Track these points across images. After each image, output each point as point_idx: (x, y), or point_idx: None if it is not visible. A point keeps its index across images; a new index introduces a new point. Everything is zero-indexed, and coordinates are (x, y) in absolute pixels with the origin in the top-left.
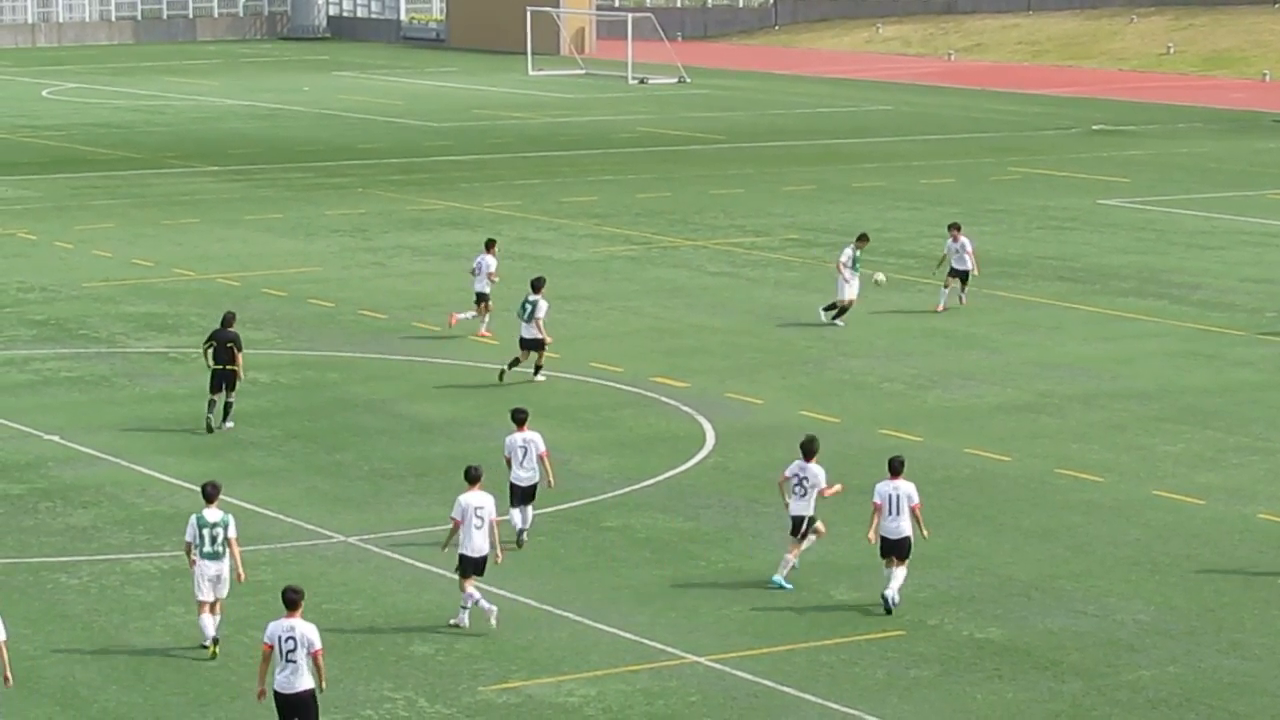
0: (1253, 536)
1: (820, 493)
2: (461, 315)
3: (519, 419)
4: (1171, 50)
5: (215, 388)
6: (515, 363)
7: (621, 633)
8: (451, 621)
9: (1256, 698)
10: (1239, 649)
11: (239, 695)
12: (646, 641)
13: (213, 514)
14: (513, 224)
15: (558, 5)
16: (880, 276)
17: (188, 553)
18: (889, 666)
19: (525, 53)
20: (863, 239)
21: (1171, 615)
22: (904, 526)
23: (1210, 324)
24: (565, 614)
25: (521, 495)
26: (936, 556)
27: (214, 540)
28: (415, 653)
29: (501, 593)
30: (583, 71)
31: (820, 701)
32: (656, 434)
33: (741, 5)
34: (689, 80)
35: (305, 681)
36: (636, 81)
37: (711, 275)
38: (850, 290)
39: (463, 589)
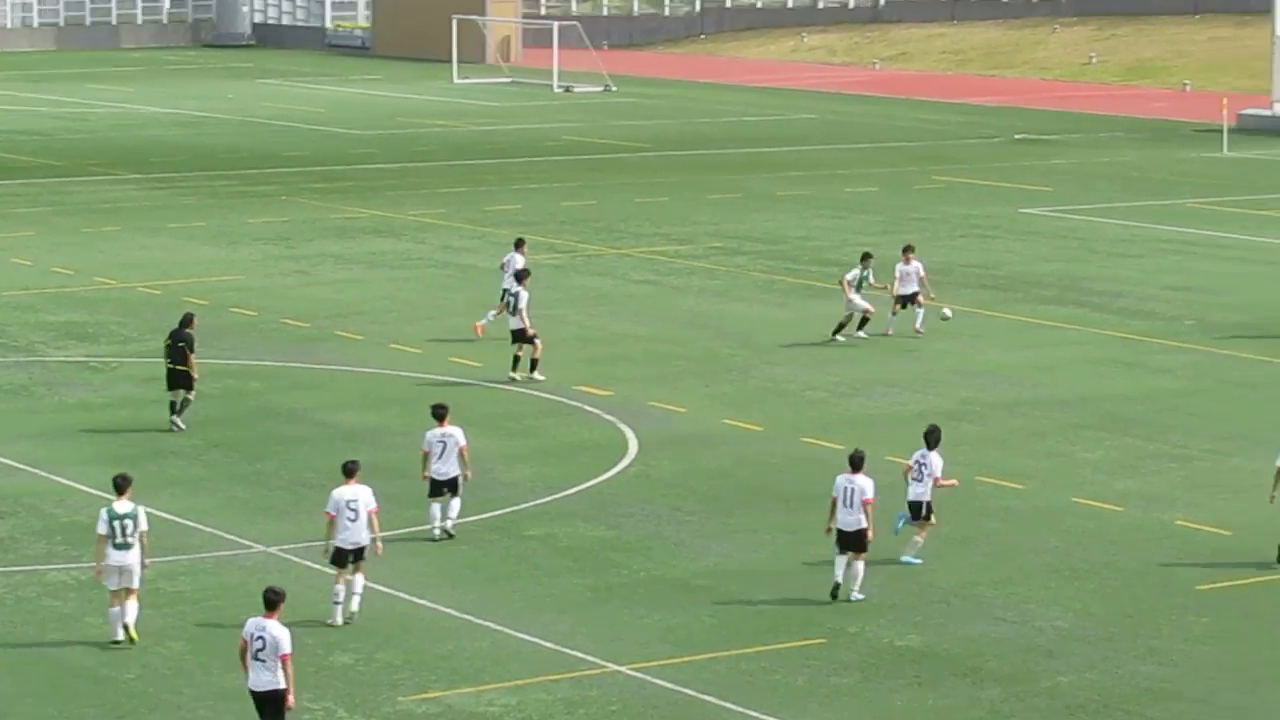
0: (1170, 543)
1: (936, 481)
2: (486, 320)
3: (439, 414)
4: (1094, 60)
5: (170, 386)
6: (517, 361)
7: (542, 642)
8: (329, 621)
9: (1173, 703)
10: (1156, 655)
11: (156, 707)
12: (567, 650)
13: (123, 506)
14: (437, 232)
15: (483, 13)
16: (947, 311)
17: (100, 545)
18: (809, 674)
19: (451, 61)
20: (867, 258)
21: (1090, 622)
22: (859, 519)
23: (1131, 332)
24: (486, 623)
25: (440, 488)
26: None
27: (124, 531)
28: (335, 663)
29: (422, 602)
30: (508, 80)
31: (741, 710)
32: (579, 442)
33: (667, 14)
34: (615, 88)
35: (275, 680)
36: (562, 90)
37: (635, 283)
38: (855, 305)
39: (337, 581)
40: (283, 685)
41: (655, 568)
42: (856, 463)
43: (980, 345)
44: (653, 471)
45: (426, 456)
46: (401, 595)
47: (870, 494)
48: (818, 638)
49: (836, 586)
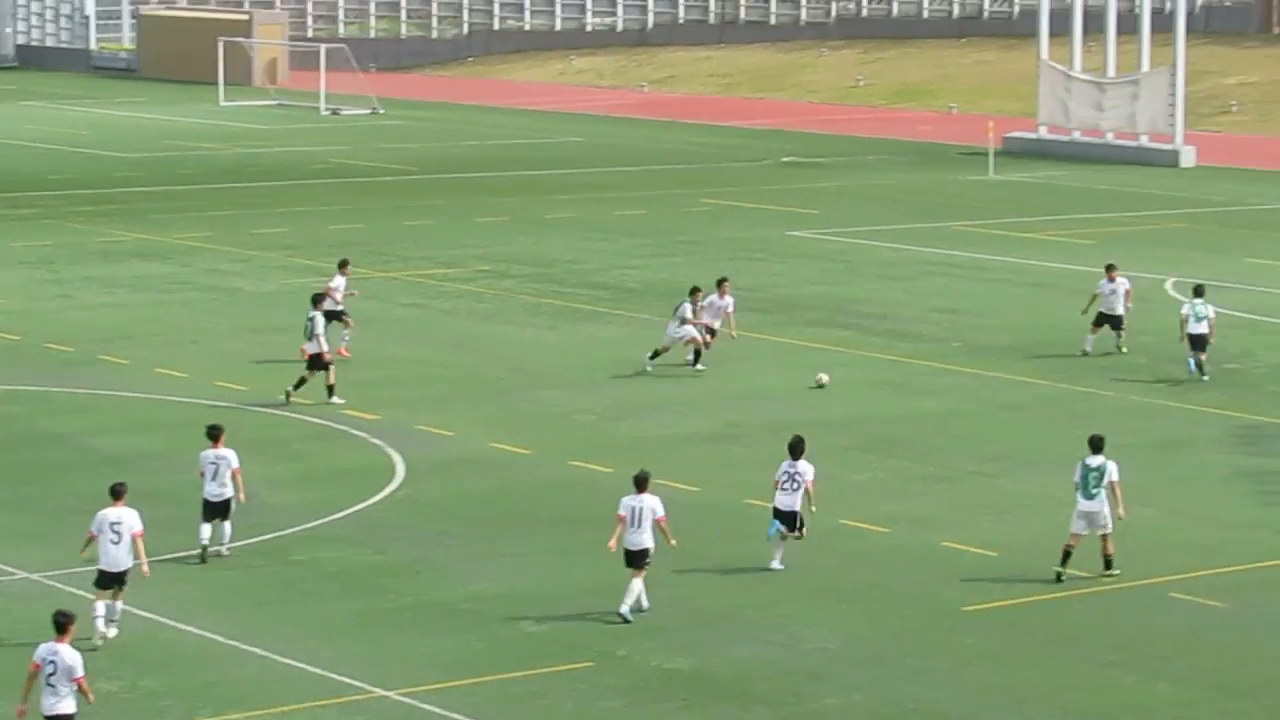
0: (936, 564)
1: (806, 488)
2: (343, 341)
3: (213, 435)
4: (861, 83)
5: None
6: (301, 384)
7: (309, 667)
8: (95, 641)
9: None
10: (924, 676)
11: None
12: (334, 676)
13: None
14: (203, 256)
15: (250, 35)
16: (824, 377)
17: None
18: (578, 698)
19: (217, 83)
20: (696, 291)
21: (857, 643)
22: (644, 539)
23: (898, 354)
24: (252, 649)
25: (213, 510)
26: (624, 586)
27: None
28: (99, 689)
29: (187, 628)
30: (275, 102)
31: None
32: (346, 466)
33: (435, 37)
34: (382, 111)
35: (66, 706)
36: (329, 112)
37: (403, 307)
38: (674, 336)
39: (97, 599)
40: (72, 710)
41: (423, 592)
42: (641, 482)
43: (748, 368)
44: (420, 495)
45: (203, 477)
46: (166, 621)
47: (661, 511)
48: (585, 661)
49: (640, 607)
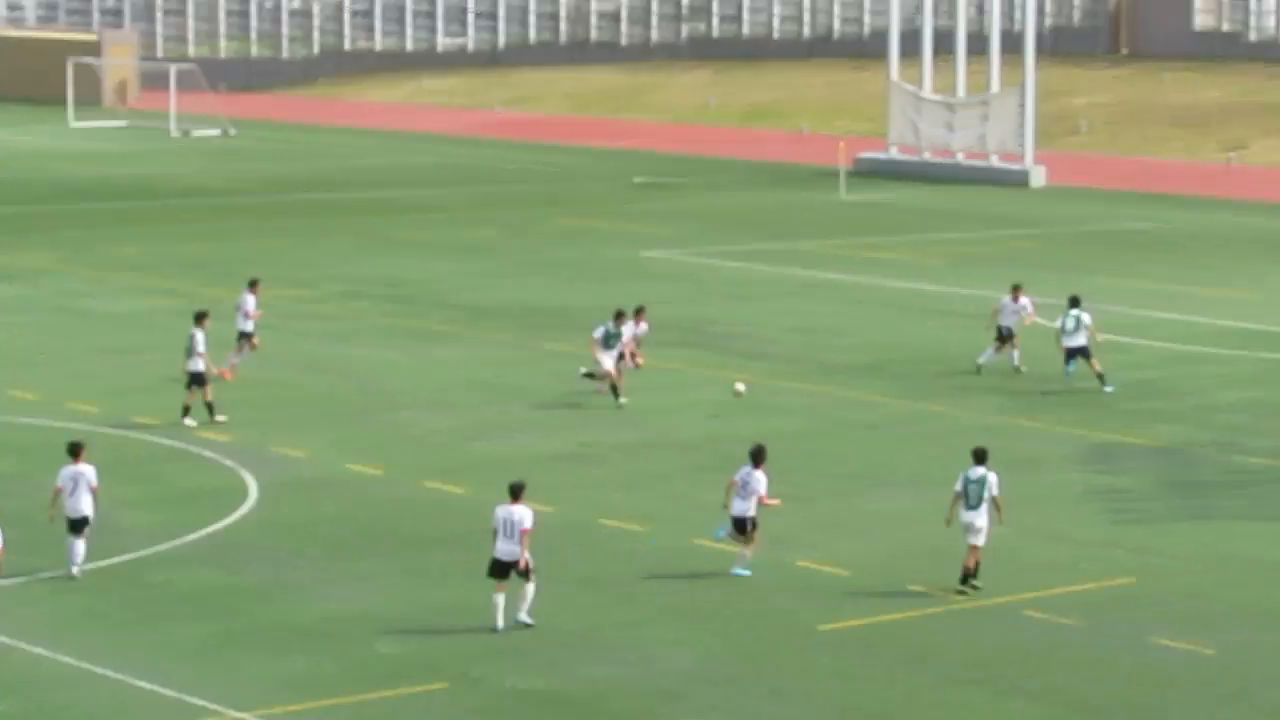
0: (791, 584)
1: (760, 499)
2: (230, 363)
3: (74, 451)
4: (712, 103)
5: None
6: (187, 410)
7: (163, 690)
8: None
9: None
10: (780, 696)
11: None
12: (189, 699)
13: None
14: (54, 277)
15: (99, 55)
16: (740, 386)
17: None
18: (433, 719)
19: (66, 103)
20: (621, 316)
21: (713, 663)
22: (516, 549)
23: (751, 373)
24: (105, 672)
25: (73, 527)
26: (479, 607)
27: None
28: None
29: (40, 651)
30: (125, 123)
31: None
32: (199, 488)
33: (286, 57)
34: (234, 132)
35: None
36: (180, 133)
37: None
38: (607, 363)
39: None
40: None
41: (277, 613)
42: (515, 492)
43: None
44: (274, 517)
45: (59, 493)
46: (19, 644)
47: (529, 524)
48: (440, 682)
49: (497, 624)
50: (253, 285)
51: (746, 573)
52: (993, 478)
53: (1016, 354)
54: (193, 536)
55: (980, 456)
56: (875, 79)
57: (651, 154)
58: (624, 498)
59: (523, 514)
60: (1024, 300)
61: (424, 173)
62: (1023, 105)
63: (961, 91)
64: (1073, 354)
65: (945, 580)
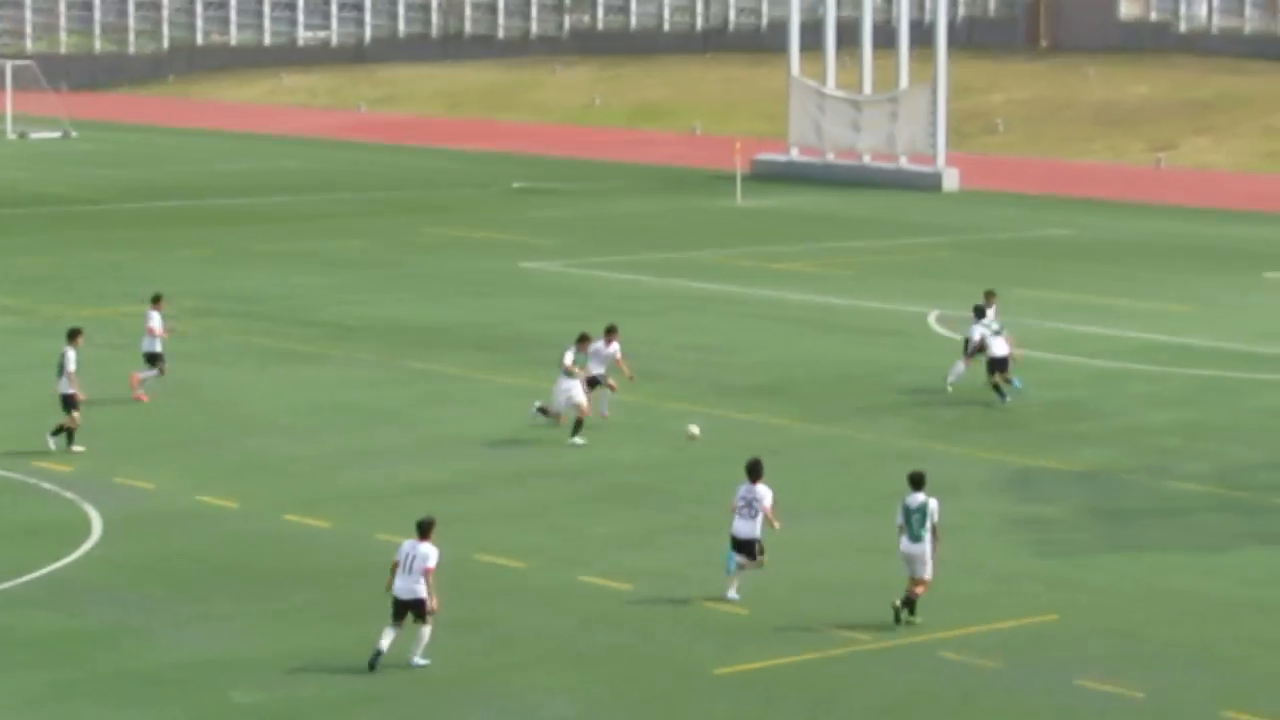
0: (685, 623)
1: (765, 512)
2: (140, 377)
3: None
4: (597, 102)
5: None
6: (61, 431)
7: None
8: None
9: None
10: None
11: None
12: None
13: None
14: None
15: None
16: (694, 429)
17: None
18: None
19: None
20: (584, 340)
21: (600, 710)
22: (418, 588)
23: (642, 395)
24: None
25: None
26: (344, 651)
27: None
28: None
29: None
30: None
31: None
32: (37, 524)
33: (132, 52)
34: (75, 134)
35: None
36: (16, 136)
37: (97, 347)
38: (566, 397)
39: None
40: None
41: (122, 660)
42: (424, 529)
43: (476, 411)
44: (119, 554)
45: None
46: None
47: (432, 562)
48: None
49: (378, 654)
50: (156, 301)
51: (737, 597)
52: (934, 504)
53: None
54: (29, 577)
55: (918, 482)
56: (774, 75)
57: (531, 157)
58: (502, 531)
59: (427, 551)
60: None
61: (283, 178)
62: (934, 103)
63: (868, 88)
64: (997, 365)
65: (852, 618)
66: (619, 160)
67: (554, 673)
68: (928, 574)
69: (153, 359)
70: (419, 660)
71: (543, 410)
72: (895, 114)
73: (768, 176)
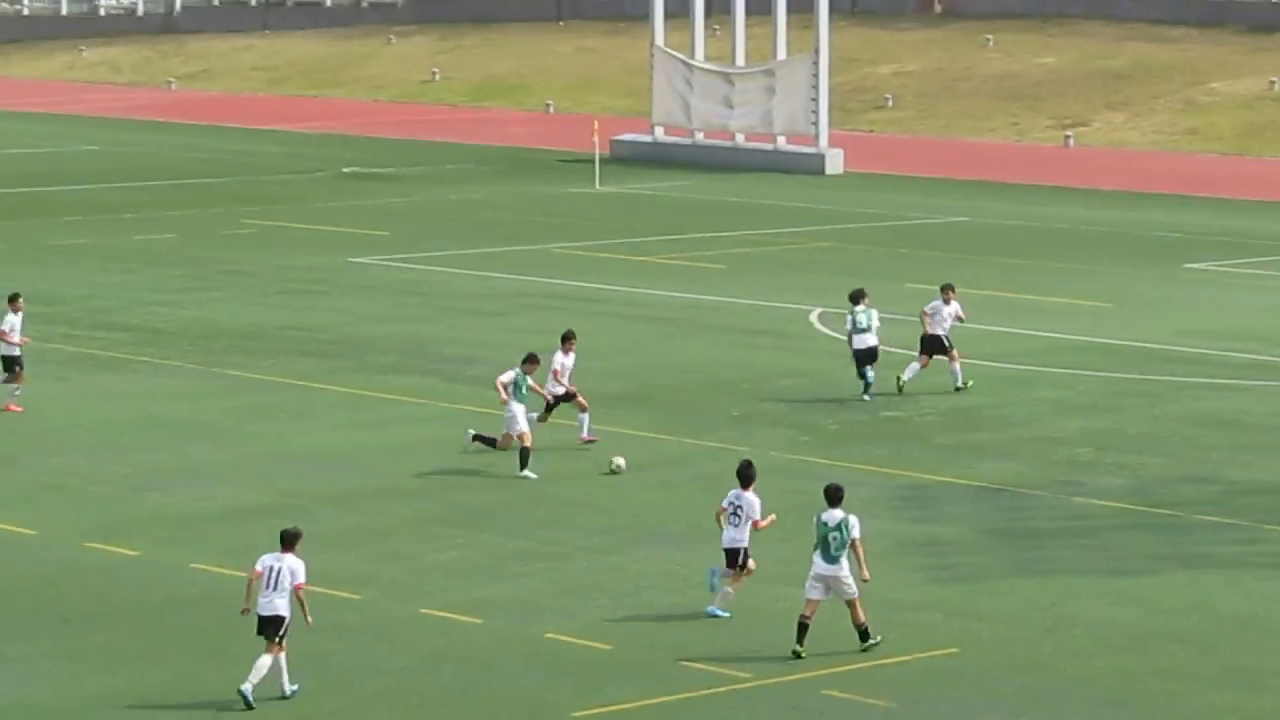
0: (540, 661)
1: (754, 524)
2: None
3: None
4: (437, 76)
5: None
6: None
7: None
8: None
9: None
10: None
11: None
12: None
13: None
14: None
15: None
16: (619, 461)
17: None
18: None
19: None
20: (532, 360)
21: None
22: (280, 605)
23: (487, 405)
24: None
25: None
26: (155, 695)
27: None
28: None
29: None
30: None
31: None
32: None
33: None
34: None
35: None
36: None
37: None
38: (517, 424)
39: None
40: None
41: None
42: (288, 540)
43: (303, 425)
44: None
45: None
46: None
47: (303, 577)
48: None
49: (247, 696)
50: (13, 301)
51: (725, 614)
52: (854, 520)
53: (958, 368)
54: None
55: (835, 496)
56: (636, 45)
57: (363, 139)
58: (334, 558)
59: (296, 565)
60: (955, 304)
61: (83, 164)
62: (815, 76)
63: (741, 60)
64: (863, 358)
65: (728, 652)
66: (462, 142)
67: (394, 717)
68: (856, 591)
69: (11, 362)
70: (286, 688)
71: (481, 439)
72: (772, 89)
73: (629, 159)
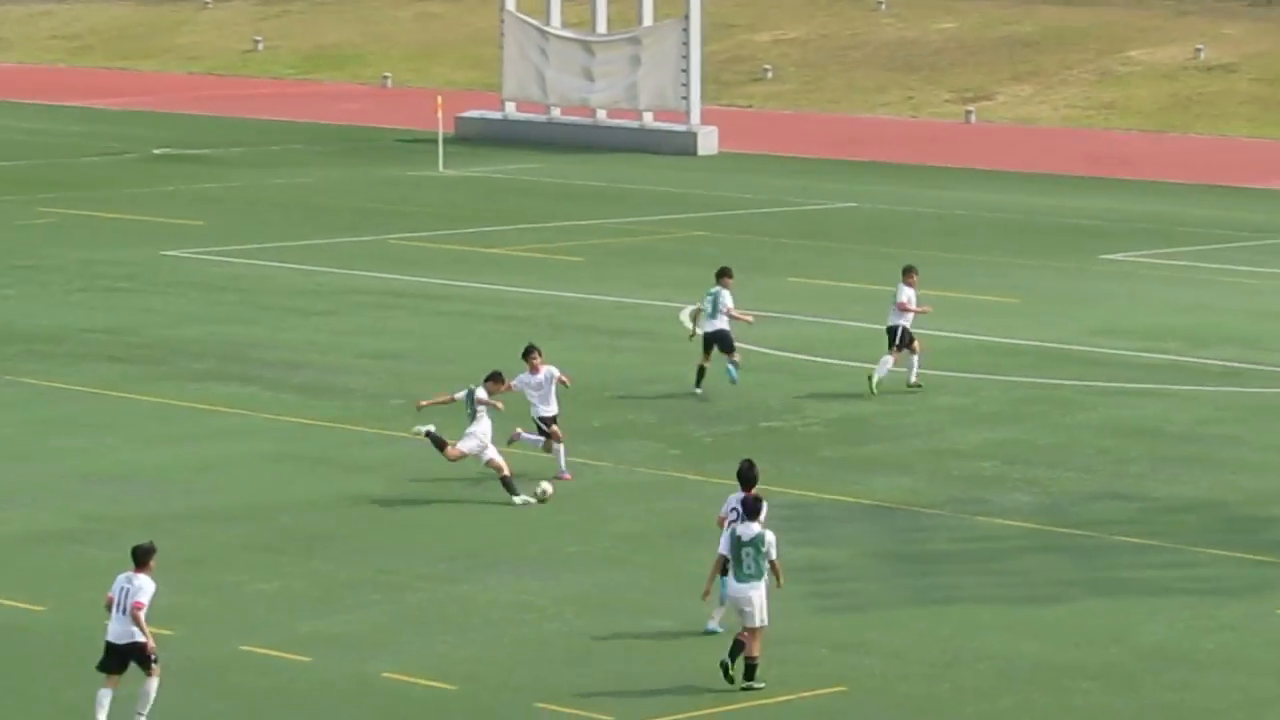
0: (376, 703)
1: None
2: None
3: None
4: (261, 46)
5: None
6: None
7: None
8: None
9: None
10: None
11: None
12: None
13: None
14: None
15: None
16: (546, 487)
17: None
18: None
19: None
20: (496, 379)
21: None
22: (131, 631)
23: (317, 416)
24: None
25: None
26: None
27: None
28: None
29: None
30: None
31: None
32: None
33: None
34: None
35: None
36: None
37: None
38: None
39: None
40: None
41: None
42: (139, 556)
43: (109, 439)
44: None
45: None
46: None
47: (144, 597)
48: None
49: None
50: None
51: (721, 629)
52: (770, 536)
53: (916, 361)
54: None
55: (753, 509)
56: (484, 11)
57: (176, 116)
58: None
59: (142, 584)
60: (911, 290)
61: None
62: (686, 44)
63: (602, 26)
64: (713, 343)
65: (587, 691)
66: (289, 119)
67: None
68: (760, 620)
69: None
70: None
71: (431, 435)
72: (637, 59)
73: (477, 139)
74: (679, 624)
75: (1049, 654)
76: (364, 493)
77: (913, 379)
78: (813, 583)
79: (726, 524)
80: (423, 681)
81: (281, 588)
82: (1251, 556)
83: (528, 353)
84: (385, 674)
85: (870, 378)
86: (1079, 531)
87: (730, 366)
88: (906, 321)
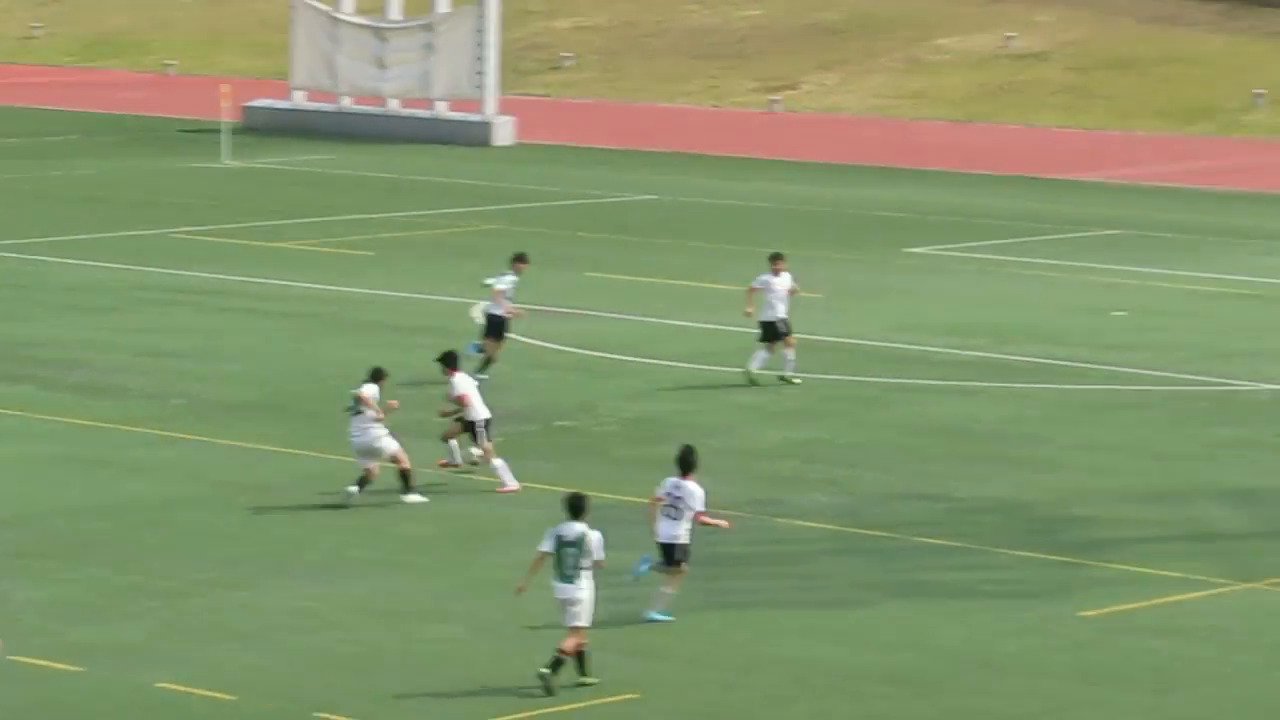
0: (150, 715)
1: (697, 517)
2: None
3: None
4: (37, 32)
5: None
6: None
7: None
8: None
9: None
10: None
11: None
12: None
13: None
14: None
15: None
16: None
17: None
18: None
19: None
20: (378, 376)
21: None
22: None
23: (93, 417)
24: None
25: None
26: None
27: None
28: None
29: None
30: None
31: None
32: None
33: None
34: None
35: None
36: None
37: None
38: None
39: None
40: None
41: None
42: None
43: None
44: None
45: None
46: None
47: None
48: None
49: None
50: None
51: (668, 618)
52: (595, 537)
53: (791, 354)
54: None
55: (577, 508)
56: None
57: None
58: None
59: None
60: (786, 275)
61: None
62: (482, 31)
63: (395, 13)
64: (489, 328)
65: (369, 699)
66: (66, 108)
67: None
68: (584, 620)
69: None
70: None
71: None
72: (431, 46)
73: (264, 129)
74: (467, 629)
75: (847, 658)
76: (142, 496)
77: (789, 373)
78: (605, 586)
79: (662, 508)
80: (200, 691)
81: (52, 595)
82: (1053, 558)
83: (447, 357)
84: (161, 684)
85: (748, 371)
86: (879, 533)
87: (474, 346)
88: (781, 314)
